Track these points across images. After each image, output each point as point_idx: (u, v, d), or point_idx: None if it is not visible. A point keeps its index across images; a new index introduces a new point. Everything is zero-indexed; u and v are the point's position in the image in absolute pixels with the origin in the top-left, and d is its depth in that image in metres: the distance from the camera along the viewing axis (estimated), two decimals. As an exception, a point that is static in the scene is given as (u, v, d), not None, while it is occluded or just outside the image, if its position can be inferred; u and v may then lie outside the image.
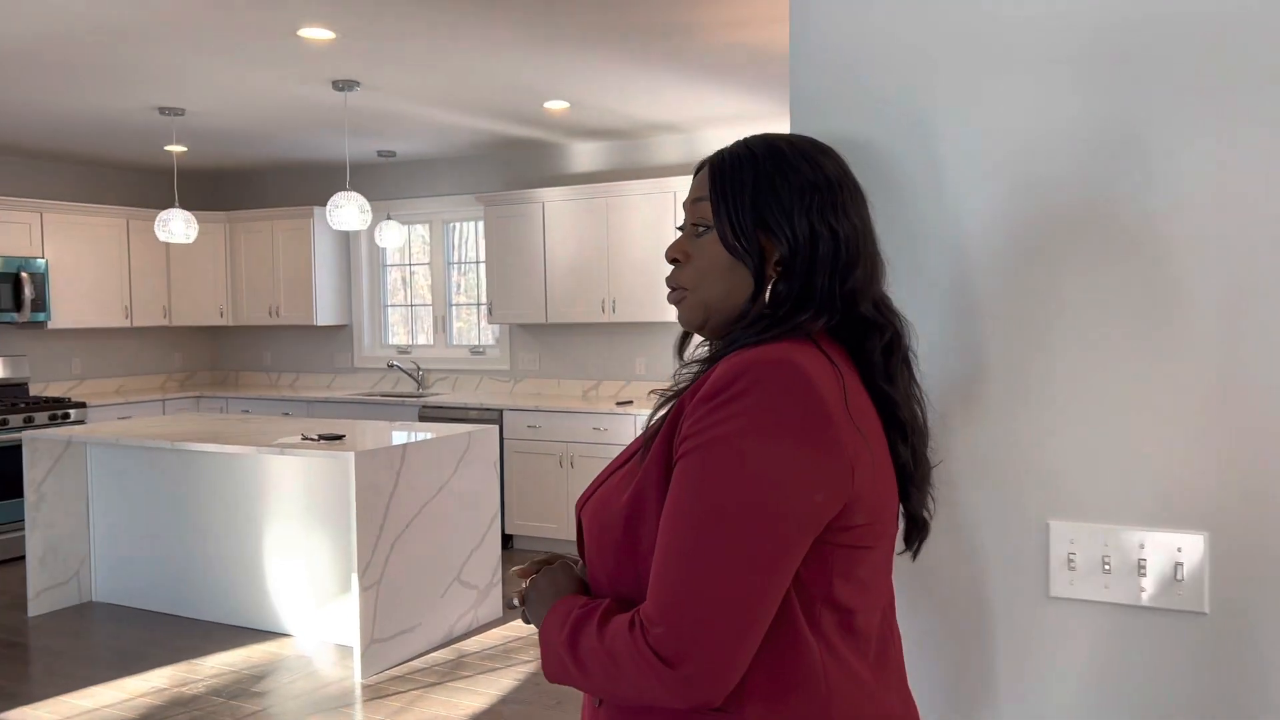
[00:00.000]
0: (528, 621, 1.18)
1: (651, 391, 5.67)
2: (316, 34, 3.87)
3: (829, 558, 1.03)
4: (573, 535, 5.94)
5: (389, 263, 7.54)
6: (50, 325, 6.62)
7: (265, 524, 4.70)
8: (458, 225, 7.26)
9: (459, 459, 4.60)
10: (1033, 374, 1.37)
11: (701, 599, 0.95)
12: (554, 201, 6.32)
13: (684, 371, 1.12)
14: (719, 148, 1.17)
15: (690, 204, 1.14)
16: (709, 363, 1.09)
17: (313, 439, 4.39)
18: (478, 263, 7.14)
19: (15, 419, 6.11)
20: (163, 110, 5.25)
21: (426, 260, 7.37)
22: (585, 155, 6.60)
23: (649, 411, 1.15)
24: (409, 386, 7.26)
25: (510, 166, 6.86)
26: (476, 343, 7.19)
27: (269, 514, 4.69)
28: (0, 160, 6.70)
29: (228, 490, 4.80)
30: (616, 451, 5.68)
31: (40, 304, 6.47)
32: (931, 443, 1.23)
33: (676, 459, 1.01)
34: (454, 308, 7.29)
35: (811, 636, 1.02)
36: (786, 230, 1.06)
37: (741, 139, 1.14)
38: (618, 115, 5.58)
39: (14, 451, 6.03)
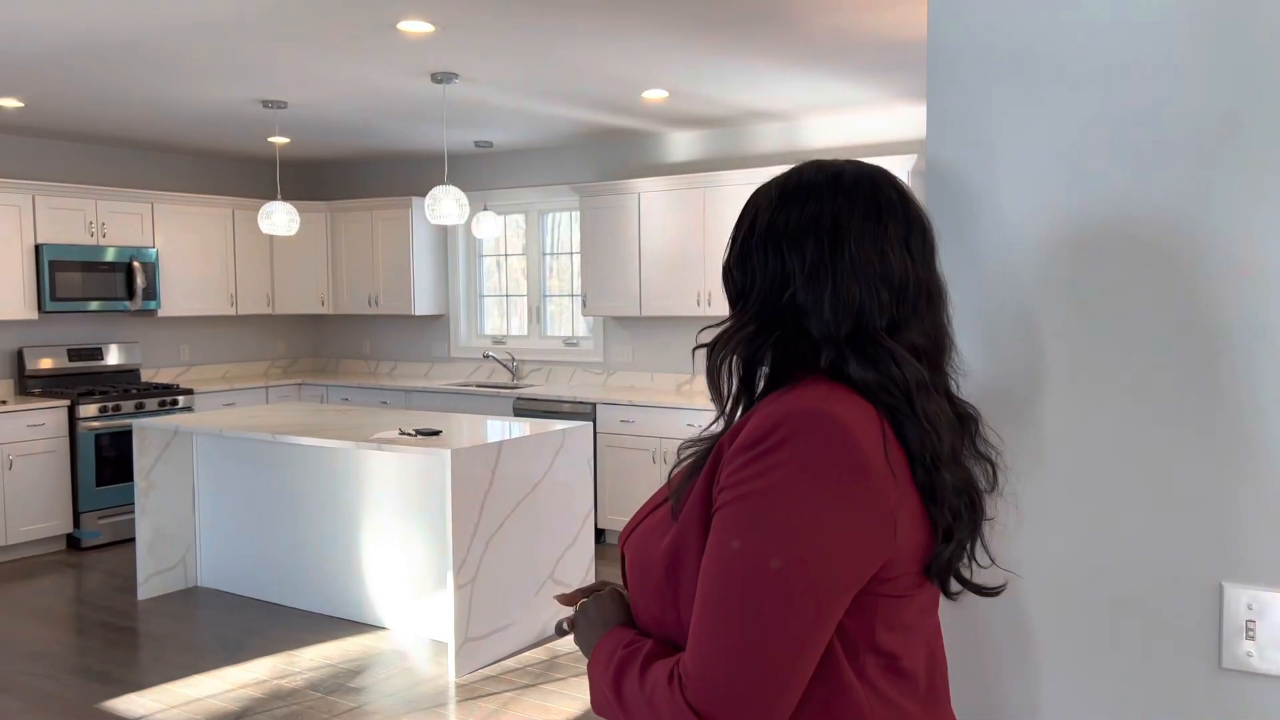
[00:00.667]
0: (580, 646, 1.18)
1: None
2: (416, 27, 3.83)
3: (873, 608, 1.00)
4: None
5: (485, 253, 7.54)
6: (160, 313, 6.81)
7: (362, 516, 4.73)
8: (553, 215, 7.21)
9: (554, 456, 4.55)
10: (1202, 418, 1.21)
11: (739, 656, 0.93)
12: (649, 192, 6.21)
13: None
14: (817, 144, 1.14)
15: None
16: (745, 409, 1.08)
17: (410, 434, 4.39)
18: (572, 253, 7.09)
19: (127, 405, 6.31)
20: (265, 103, 5.31)
21: (521, 250, 7.35)
22: (682, 144, 6.47)
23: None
24: (504, 377, 7.26)
25: (606, 156, 6.78)
26: (570, 334, 7.15)
27: (366, 506, 4.72)
28: (114, 152, 6.91)
29: (327, 481, 4.85)
30: (711, 449, 5.60)
31: (151, 292, 6.67)
32: (997, 495, 1.13)
33: (715, 509, 0.98)
34: (548, 298, 7.26)
35: (857, 683, 1.00)
36: (760, 270, 1.08)
37: (811, 162, 1.14)
38: (717, 103, 5.43)
39: (128, 436, 6.23)
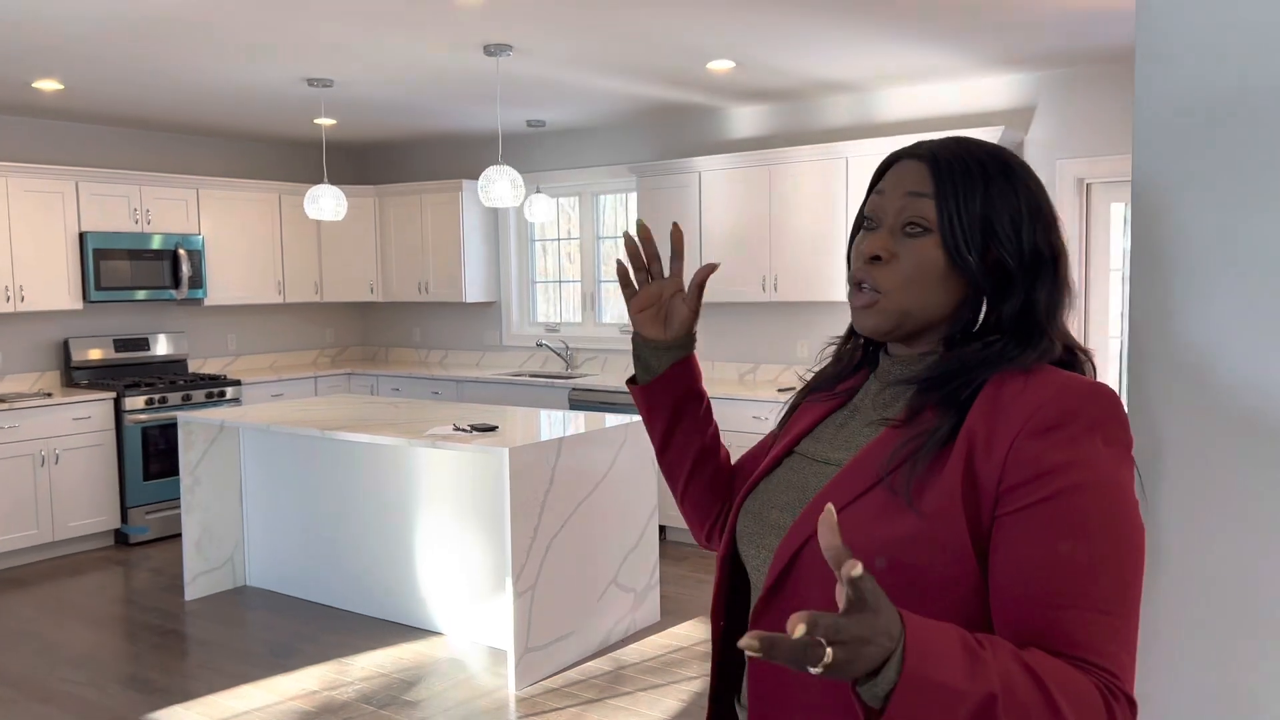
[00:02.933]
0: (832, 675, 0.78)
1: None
2: (469, -8, 3.54)
3: None
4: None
5: (538, 237, 7.27)
6: (206, 302, 6.64)
7: (415, 515, 4.49)
8: (608, 197, 6.91)
9: (616, 452, 4.27)
10: None
11: (1133, 639, 0.93)
12: (711, 170, 5.88)
13: (882, 387, 1.11)
14: (916, 141, 1.11)
15: (900, 198, 1.05)
16: (931, 388, 1.03)
17: (465, 430, 4.13)
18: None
19: (174, 397, 6.14)
20: (311, 82, 5.07)
21: (576, 234, 7.06)
22: (746, 120, 6.12)
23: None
24: (557, 365, 7.00)
25: (664, 134, 6.45)
26: (626, 320, 6.85)
27: (419, 505, 4.48)
28: (158, 136, 6.74)
29: (378, 478, 4.61)
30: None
31: (197, 280, 6.49)
32: None
33: (1035, 500, 0.93)
34: (603, 284, 6.97)
35: None
36: (1014, 246, 1.03)
37: (952, 138, 1.09)
38: (786, 74, 5.08)
39: (175, 429, 6.07)
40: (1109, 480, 0.93)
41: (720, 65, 4.81)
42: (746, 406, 5.47)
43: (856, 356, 1.21)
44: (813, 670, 0.74)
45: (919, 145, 1.09)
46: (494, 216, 7.24)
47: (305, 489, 4.88)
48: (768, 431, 5.02)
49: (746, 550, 1.15)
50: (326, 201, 5.30)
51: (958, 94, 5.36)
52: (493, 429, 4.15)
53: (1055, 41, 4.44)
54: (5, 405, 5.46)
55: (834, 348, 1.26)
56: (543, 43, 4.32)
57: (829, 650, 0.74)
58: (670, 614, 4.57)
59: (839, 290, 5.42)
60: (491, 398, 6.51)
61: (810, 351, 5.93)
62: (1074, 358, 1.05)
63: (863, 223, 1.13)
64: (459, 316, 7.56)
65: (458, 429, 4.16)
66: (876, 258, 1.05)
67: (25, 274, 5.76)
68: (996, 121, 5.21)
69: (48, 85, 5.10)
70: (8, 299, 5.69)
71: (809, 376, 1.28)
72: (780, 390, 5.56)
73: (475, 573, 4.30)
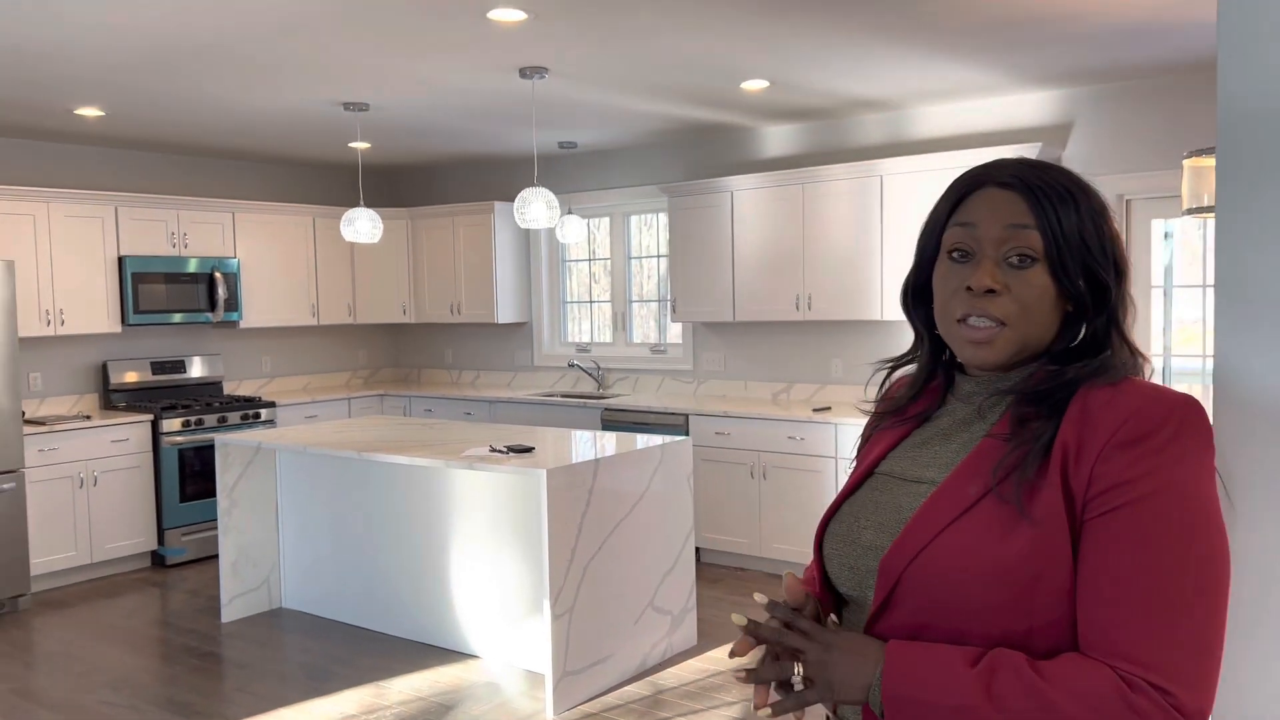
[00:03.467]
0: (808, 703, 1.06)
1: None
2: (507, 15, 3.55)
3: None
4: (763, 552, 5.53)
5: (569, 258, 7.28)
6: (242, 324, 6.69)
7: (450, 537, 4.48)
8: (639, 218, 6.92)
9: (652, 473, 4.24)
10: None
11: (1211, 650, 0.95)
12: (743, 190, 5.87)
13: (968, 400, 1.14)
14: (985, 163, 1.12)
15: (999, 229, 1.07)
16: (1034, 400, 1.05)
17: (501, 451, 4.12)
18: (659, 257, 6.78)
19: (210, 419, 6.19)
20: (347, 105, 5.11)
21: (606, 255, 7.07)
22: (778, 139, 6.11)
23: (863, 422, 1.26)
24: (589, 386, 6.99)
25: (695, 154, 6.45)
26: (657, 340, 6.84)
27: (455, 526, 4.47)
28: (195, 161, 6.82)
29: (413, 500, 4.61)
30: (814, 463, 5.25)
31: (233, 303, 6.55)
32: None
33: (1112, 508, 0.97)
34: (634, 304, 6.96)
35: None
36: (1106, 262, 1.06)
37: (1024, 161, 1.11)
38: (820, 93, 5.07)
39: (211, 450, 6.10)
40: (1189, 490, 0.96)
41: (754, 85, 4.81)
42: (780, 426, 5.42)
43: (934, 380, 1.21)
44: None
45: (998, 172, 1.10)
46: (525, 238, 7.26)
47: (340, 511, 4.89)
48: (801, 453, 5.02)
49: (838, 574, 1.15)
50: (362, 223, 5.33)
51: (993, 111, 5.32)
52: (529, 450, 4.14)
53: (1093, 57, 4.40)
54: (45, 428, 5.52)
55: (896, 373, 1.27)
56: (579, 63, 4.33)
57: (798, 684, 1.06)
58: (708, 637, 4.52)
59: (874, 309, 5.37)
60: (524, 418, 6.51)
61: (846, 370, 5.88)
62: (1136, 362, 1.10)
63: (928, 253, 1.15)
64: (491, 337, 7.57)
65: (494, 450, 4.15)
66: (992, 290, 1.06)
67: (65, 298, 5.84)
68: (1033, 138, 5.17)
69: (89, 112, 5.18)
70: (48, 323, 5.76)
71: (871, 406, 1.30)
72: (815, 410, 5.51)
73: (511, 595, 4.27)
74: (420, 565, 4.59)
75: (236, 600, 4.96)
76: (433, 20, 3.63)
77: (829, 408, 5.60)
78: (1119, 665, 0.94)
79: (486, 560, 4.36)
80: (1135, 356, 1.08)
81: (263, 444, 4.72)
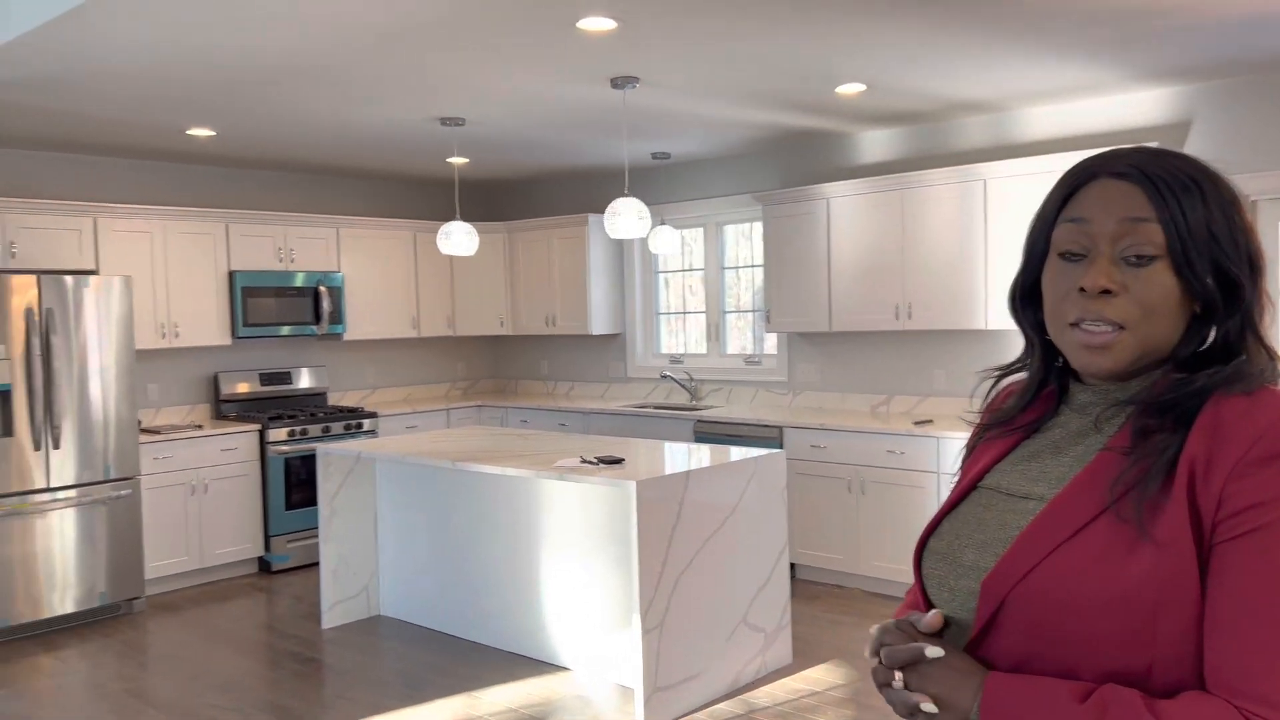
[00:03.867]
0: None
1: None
2: (597, 24, 3.54)
3: None
4: (862, 569, 5.37)
5: (662, 269, 7.26)
6: (345, 337, 6.87)
7: (542, 547, 4.48)
8: (733, 227, 6.84)
9: (744, 486, 4.16)
10: None
11: None
12: (840, 197, 5.74)
13: (1085, 409, 1.04)
14: (1099, 153, 1.03)
15: (1115, 224, 0.98)
16: (1158, 410, 0.96)
17: (591, 462, 4.10)
18: (752, 267, 6.69)
19: (314, 429, 6.36)
20: (444, 121, 5.20)
21: (699, 265, 7.01)
22: (875, 144, 5.97)
23: (967, 435, 1.19)
24: (682, 397, 6.93)
25: (789, 162, 6.35)
26: (751, 351, 6.74)
27: (546, 537, 4.47)
28: (301, 177, 7.04)
29: (506, 510, 4.63)
30: (916, 478, 5.08)
31: (337, 316, 6.73)
32: None
33: (1244, 531, 0.88)
34: (727, 314, 6.89)
35: None
36: (1237, 256, 0.97)
37: (1143, 149, 1.02)
38: (920, 95, 4.92)
39: (314, 460, 6.27)
40: None
41: (850, 89, 4.70)
42: (879, 440, 5.27)
43: (1045, 388, 1.12)
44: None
45: (1113, 161, 1.01)
46: (619, 250, 7.27)
47: (435, 520, 4.95)
48: (902, 468, 4.85)
49: (938, 594, 1.07)
50: (458, 237, 5.41)
51: (1104, 110, 5.08)
52: (619, 462, 4.11)
53: (1215, 50, 4.15)
54: (160, 437, 5.75)
55: (1005, 381, 1.18)
56: (669, 73, 4.30)
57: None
58: (803, 655, 4.40)
59: (978, 318, 5.18)
60: (617, 429, 6.50)
61: (949, 382, 5.69)
62: (1275, 368, 1.01)
63: (1037, 252, 1.06)
64: (585, 349, 7.60)
65: (584, 461, 4.13)
66: (1108, 291, 0.97)
67: (179, 312, 6.08)
68: (1147, 138, 4.91)
69: (201, 132, 5.40)
70: (163, 335, 6.01)
71: (975, 416, 1.21)
72: (917, 424, 5.34)
73: (602, 608, 4.24)
74: (513, 575, 4.60)
75: (337, 607, 5.06)
76: (522, 32, 3.64)
77: (931, 421, 5.42)
78: (1246, 707, 0.85)
79: (578, 572, 4.34)
80: (1275, 362, 0.98)
81: (361, 453, 4.81)
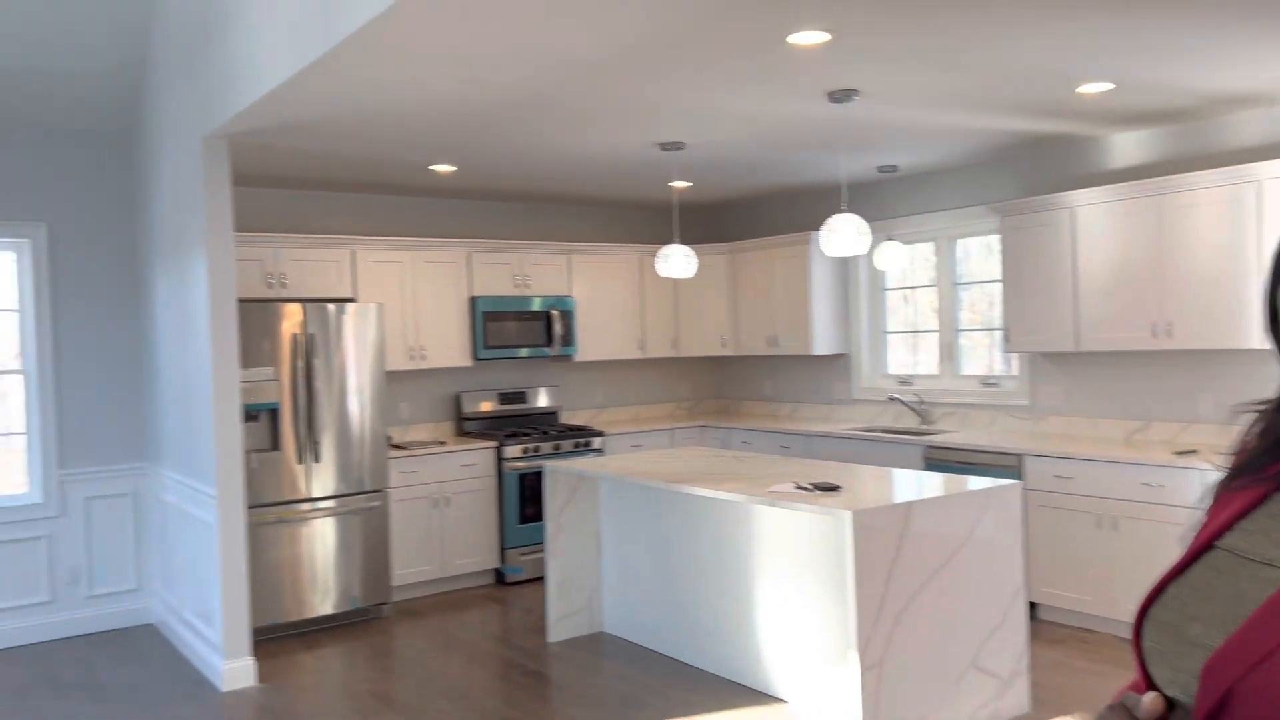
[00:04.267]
0: None
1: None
2: (808, 38, 3.46)
3: None
4: (1113, 613, 4.87)
5: (889, 286, 6.99)
6: (576, 358, 7.10)
7: (758, 573, 4.40)
8: (965, 241, 6.48)
9: (975, 518, 3.89)
10: None
11: None
12: (1086, 205, 5.29)
13: None
14: None
15: None
16: None
17: (806, 488, 3.98)
18: (989, 282, 6.30)
19: (546, 446, 6.60)
20: (664, 146, 5.27)
21: (930, 282, 6.69)
22: (1125, 147, 5.46)
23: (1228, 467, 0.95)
24: (911, 421, 6.63)
25: (1027, 170, 5.94)
26: (988, 373, 6.34)
27: (761, 562, 4.38)
28: (534, 207, 7.38)
29: (722, 533, 4.59)
30: (1176, 514, 4.57)
31: (568, 339, 6.98)
32: None
33: None
34: (961, 333, 6.52)
35: None
36: None
37: None
38: (1176, 91, 4.45)
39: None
40: None
41: (1093, 88, 4.32)
42: (1134, 471, 4.78)
43: None
44: None
45: None
46: (843, 267, 7.07)
47: (655, 539, 4.98)
48: (1160, 502, 4.34)
49: (1158, 671, 0.90)
50: (676, 259, 5.46)
51: None
52: (835, 488, 3.96)
53: None
54: (407, 452, 6.17)
55: (1254, 416, 0.96)
56: (889, 84, 4.13)
57: None
58: (1044, 704, 4.05)
59: (1251, 335, 4.60)
60: (840, 453, 6.30)
61: (1216, 407, 5.08)
62: None
63: None
64: (808, 369, 7.44)
65: (799, 487, 4.02)
66: None
67: (426, 335, 6.52)
68: None
69: (444, 168, 5.77)
70: (411, 357, 6.46)
71: (1226, 464, 0.99)
72: (1178, 453, 4.80)
73: (818, 640, 4.10)
74: (728, 600, 4.54)
75: (561, 621, 5.21)
76: (733, 51, 3.62)
77: (1195, 451, 4.86)
78: None
79: (794, 601, 4.22)
80: None
81: (585, 472, 4.94)
